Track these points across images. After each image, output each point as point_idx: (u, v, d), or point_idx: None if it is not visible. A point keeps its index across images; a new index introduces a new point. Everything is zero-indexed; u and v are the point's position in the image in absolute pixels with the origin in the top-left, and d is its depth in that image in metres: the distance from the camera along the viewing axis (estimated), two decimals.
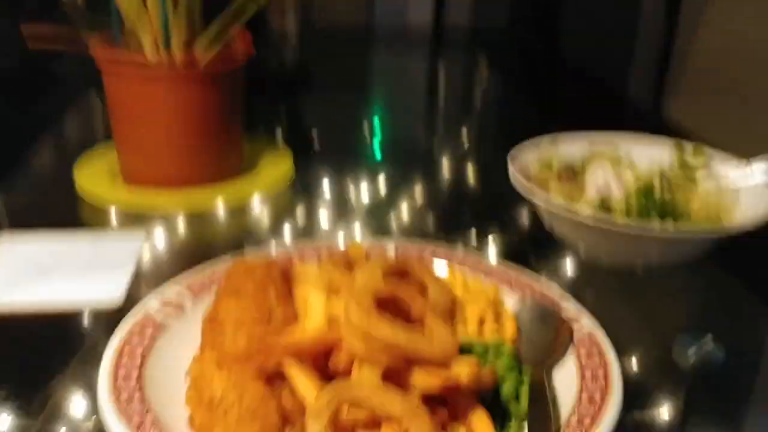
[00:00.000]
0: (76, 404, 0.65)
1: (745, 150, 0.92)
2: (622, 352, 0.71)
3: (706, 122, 1.36)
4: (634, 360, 0.73)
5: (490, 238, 0.98)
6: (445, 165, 1.33)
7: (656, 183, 0.82)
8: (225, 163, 1.12)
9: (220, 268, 0.76)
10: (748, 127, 1.34)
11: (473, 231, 1.01)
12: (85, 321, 0.77)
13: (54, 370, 0.69)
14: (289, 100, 1.57)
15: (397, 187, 1.18)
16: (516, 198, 0.90)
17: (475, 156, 1.39)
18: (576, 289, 0.84)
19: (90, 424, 0.63)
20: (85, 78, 1.56)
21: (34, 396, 0.66)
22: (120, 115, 1.06)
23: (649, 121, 1.60)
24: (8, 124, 1.40)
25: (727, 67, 1.51)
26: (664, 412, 0.66)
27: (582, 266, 0.89)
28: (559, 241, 0.90)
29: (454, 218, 1.08)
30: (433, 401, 0.56)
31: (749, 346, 0.77)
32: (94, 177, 1.11)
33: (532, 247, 0.95)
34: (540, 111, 1.65)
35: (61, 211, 1.05)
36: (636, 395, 0.67)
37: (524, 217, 1.04)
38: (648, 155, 0.91)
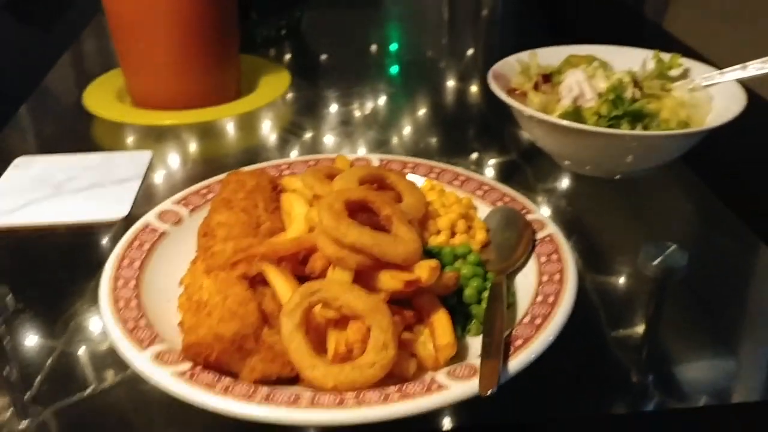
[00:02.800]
0: (86, 312, 0.71)
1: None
2: (594, 260, 0.75)
3: (711, 39, 1.35)
4: (604, 267, 0.77)
5: (484, 150, 1.01)
6: (447, 81, 1.35)
7: (628, 90, 0.84)
8: (224, 79, 1.15)
9: (215, 182, 0.81)
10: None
11: (469, 144, 1.04)
12: (94, 234, 0.83)
13: (65, 279, 0.76)
14: (288, 16, 1.58)
15: (399, 102, 1.21)
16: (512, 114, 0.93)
17: (479, 72, 1.40)
18: (560, 196, 0.89)
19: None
20: (94, 2, 1.60)
21: (50, 309, 0.71)
22: (120, 29, 1.09)
23: (656, 37, 1.58)
24: (24, 49, 1.45)
25: None
26: (631, 318, 0.70)
27: (569, 175, 0.93)
28: (544, 152, 0.93)
29: (453, 133, 1.11)
30: (401, 304, 0.62)
31: (715, 253, 0.81)
32: (104, 101, 1.16)
33: (525, 157, 0.98)
34: (552, 26, 1.64)
35: (73, 134, 1.10)
36: (603, 304, 0.71)
37: (521, 129, 1.06)
38: (626, 65, 0.93)
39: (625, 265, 0.78)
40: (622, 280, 0.77)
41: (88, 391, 0.62)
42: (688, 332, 0.70)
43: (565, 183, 0.92)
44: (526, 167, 0.96)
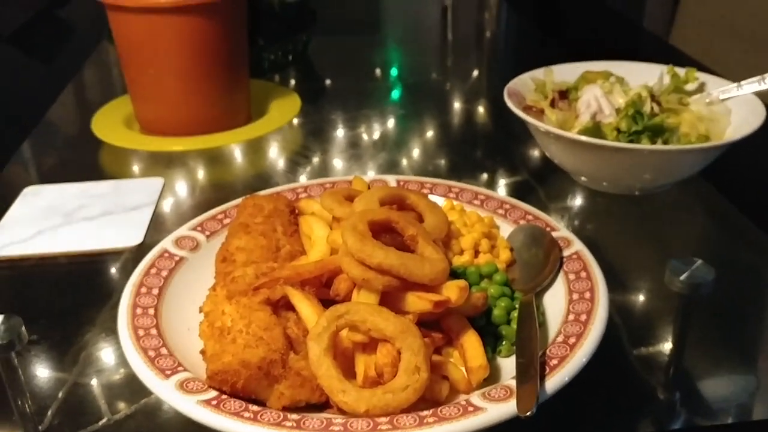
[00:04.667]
0: (99, 342, 0.70)
1: None
2: (616, 278, 0.74)
3: (714, 54, 1.35)
4: (627, 285, 0.76)
5: (495, 170, 1.00)
6: (454, 102, 1.34)
7: (647, 105, 0.84)
8: (234, 105, 1.15)
9: (231, 206, 0.80)
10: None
11: (480, 164, 1.03)
12: (106, 263, 0.82)
13: (78, 308, 0.74)
14: (294, 41, 1.58)
15: (407, 124, 1.21)
16: (524, 131, 0.92)
17: (485, 92, 1.40)
18: (575, 215, 0.88)
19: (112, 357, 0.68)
20: (98, 29, 1.60)
21: (62, 339, 0.70)
22: (129, 56, 1.09)
23: (661, 51, 1.58)
24: (28, 81, 1.44)
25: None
26: (656, 335, 0.69)
27: (583, 193, 0.92)
28: (558, 170, 0.92)
29: (463, 153, 1.10)
30: (429, 327, 0.60)
31: (738, 269, 0.79)
32: (112, 128, 1.15)
33: (536, 177, 0.97)
34: (556, 44, 1.65)
35: (81, 163, 1.09)
36: (626, 322, 0.70)
37: (530, 149, 1.06)
38: (641, 80, 0.92)
39: (648, 282, 0.77)
40: (645, 297, 0.75)
41: (102, 422, 0.60)
42: (713, 348, 0.68)
43: (578, 201, 0.92)
44: (538, 187, 0.95)
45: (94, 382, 0.65)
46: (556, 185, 0.94)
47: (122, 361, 0.66)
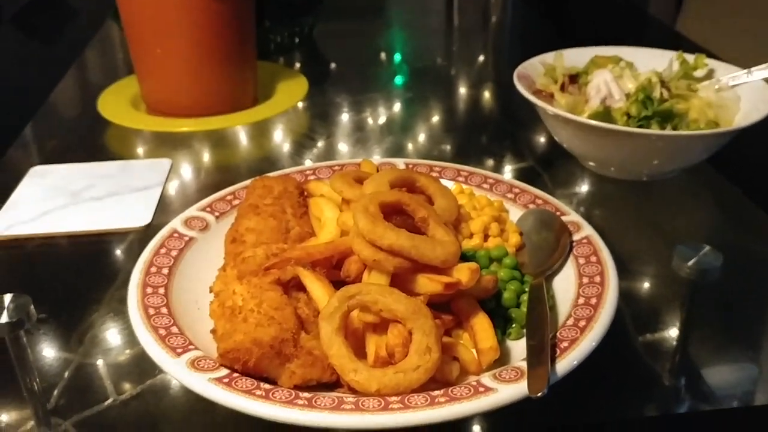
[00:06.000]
0: (105, 321, 0.70)
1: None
2: (624, 263, 0.74)
3: (721, 40, 1.35)
4: (634, 270, 0.76)
5: (502, 155, 1.00)
6: (460, 86, 1.34)
7: (656, 90, 0.84)
8: (241, 86, 1.14)
9: (240, 188, 0.80)
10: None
11: (487, 149, 1.03)
12: (115, 243, 0.82)
13: (84, 288, 0.74)
14: (300, 23, 1.57)
15: (413, 108, 1.20)
16: (531, 116, 0.92)
17: (491, 77, 1.40)
18: (581, 201, 0.88)
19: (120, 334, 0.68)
20: (101, 9, 1.59)
21: (69, 319, 0.70)
22: (136, 36, 1.09)
23: (667, 37, 1.58)
24: (31, 62, 1.44)
25: None
26: (663, 320, 0.69)
27: (589, 180, 0.92)
28: (567, 155, 0.92)
29: (469, 138, 1.10)
30: (439, 309, 0.60)
31: (745, 255, 0.79)
32: (119, 108, 1.15)
33: (542, 162, 0.97)
34: (561, 31, 1.64)
35: (87, 143, 1.08)
36: (632, 307, 0.70)
37: (536, 134, 1.06)
38: (650, 66, 0.92)
39: (655, 267, 0.77)
40: (652, 282, 0.75)
41: (108, 402, 0.61)
42: (719, 334, 0.69)
43: (586, 187, 0.91)
44: (545, 172, 0.95)
45: (100, 361, 0.65)
46: (564, 171, 0.94)
47: (129, 341, 0.66)
